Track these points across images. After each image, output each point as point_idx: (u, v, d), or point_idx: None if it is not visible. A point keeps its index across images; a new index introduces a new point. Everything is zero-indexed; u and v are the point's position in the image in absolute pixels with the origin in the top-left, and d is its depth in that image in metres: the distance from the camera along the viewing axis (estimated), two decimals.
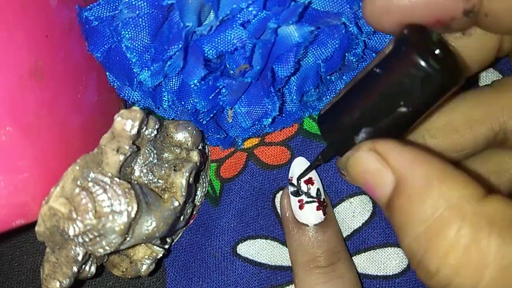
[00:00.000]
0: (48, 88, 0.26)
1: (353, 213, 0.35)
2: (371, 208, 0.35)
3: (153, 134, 0.29)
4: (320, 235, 0.32)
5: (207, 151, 0.35)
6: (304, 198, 0.33)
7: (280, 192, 0.35)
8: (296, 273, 0.32)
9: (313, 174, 0.34)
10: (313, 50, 0.29)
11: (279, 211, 0.35)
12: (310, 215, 0.32)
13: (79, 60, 0.29)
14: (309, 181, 0.33)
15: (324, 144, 0.35)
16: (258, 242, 0.36)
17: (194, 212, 0.35)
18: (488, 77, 0.35)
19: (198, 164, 0.30)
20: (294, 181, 0.33)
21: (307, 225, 0.32)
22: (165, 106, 0.31)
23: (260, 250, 0.36)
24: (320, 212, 0.32)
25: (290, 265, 0.35)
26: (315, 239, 0.32)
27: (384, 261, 0.35)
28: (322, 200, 0.33)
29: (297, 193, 0.33)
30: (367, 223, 0.35)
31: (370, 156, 0.23)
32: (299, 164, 0.34)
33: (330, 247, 0.32)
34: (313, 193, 0.33)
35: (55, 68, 0.27)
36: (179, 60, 0.27)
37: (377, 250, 0.35)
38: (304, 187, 0.33)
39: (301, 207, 0.33)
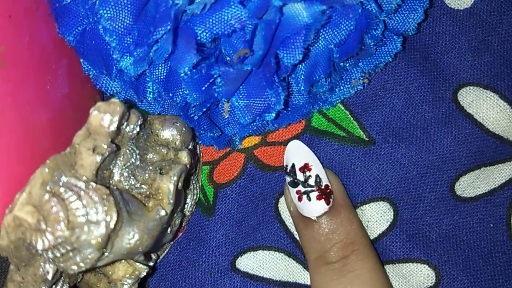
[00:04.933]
0: (11, 77, 0.25)
1: (367, 222, 0.33)
2: (391, 218, 0.33)
3: (135, 131, 0.28)
4: (328, 227, 0.30)
5: (198, 152, 0.34)
6: (301, 188, 0.30)
7: None
8: (309, 272, 0.31)
9: (310, 159, 0.31)
10: (324, 32, 0.27)
11: (283, 217, 0.33)
12: (311, 206, 0.30)
13: (48, 45, 0.28)
14: (305, 167, 0.31)
15: (335, 142, 0.33)
16: (259, 254, 0.34)
17: (184, 224, 0.34)
18: None
19: (188, 166, 0.29)
20: (289, 170, 0.31)
21: (310, 218, 0.30)
22: (149, 98, 0.30)
23: (262, 263, 0.34)
24: (322, 201, 0.30)
25: (298, 281, 0.33)
26: (322, 232, 0.30)
27: (405, 277, 0.33)
28: (323, 187, 0.30)
29: (294, 184, 0.31)
30: (385, 234, 0.33)
31: None
32: (295, 149, 0.31)
33: (341, 239, 0.30)
34: (312, 182, 0.30)
35: (19, 54, 0.26)
36: (167, 44, 0.26)
37: (396, 265, 0.33)
38: (300, 176, 0.31)
39: (299, 198, 0.30)
